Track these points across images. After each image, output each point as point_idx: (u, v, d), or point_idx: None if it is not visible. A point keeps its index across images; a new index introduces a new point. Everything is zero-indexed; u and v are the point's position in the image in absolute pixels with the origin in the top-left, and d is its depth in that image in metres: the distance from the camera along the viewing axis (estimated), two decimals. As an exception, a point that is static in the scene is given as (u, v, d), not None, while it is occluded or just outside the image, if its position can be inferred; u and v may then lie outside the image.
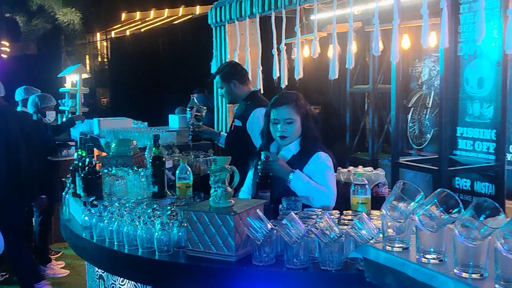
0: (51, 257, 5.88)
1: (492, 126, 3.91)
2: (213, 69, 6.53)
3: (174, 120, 7.63)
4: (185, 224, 2.35)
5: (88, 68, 17.33)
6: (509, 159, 3.98)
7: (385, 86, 7.38)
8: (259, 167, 2.83)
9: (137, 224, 2.45)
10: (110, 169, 3.28)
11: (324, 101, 7.50)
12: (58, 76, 8.32)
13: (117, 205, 2.57)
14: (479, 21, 3.25)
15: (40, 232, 5.65)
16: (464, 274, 1.49)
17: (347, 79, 7.66)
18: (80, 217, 2.84)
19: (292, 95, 3.03)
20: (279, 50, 5.17)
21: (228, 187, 2.32)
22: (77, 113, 7.28)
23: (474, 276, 1.48)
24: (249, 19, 5.68)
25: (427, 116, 6.92)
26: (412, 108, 7.16)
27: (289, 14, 5.18)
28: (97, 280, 2.95)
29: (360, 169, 4.04)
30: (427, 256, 1.63)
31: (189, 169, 3.13)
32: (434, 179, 4.62)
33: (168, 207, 2.50)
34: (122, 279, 2.67)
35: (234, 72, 3.99)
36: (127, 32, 17.01)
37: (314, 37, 4.72)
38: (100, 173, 2.88)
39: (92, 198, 2.72)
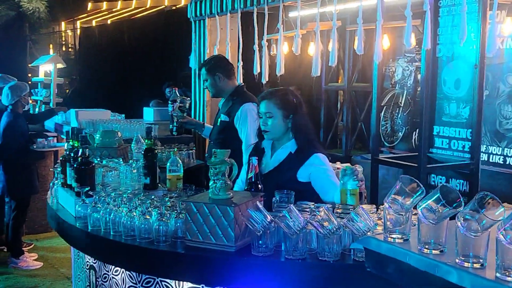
0: (24, 249, 5.80)
1: (467, 125, 4.08)
2: (192, 63, 6.53)
3: (149, 113, 7.58)
4: (184, 215, 2.40)
5: (52, 57, 16.94)
6: (483, 158, 4.15)
7: (360, 84, 7.55)
8: None
9: (134, 214, 2.48)
10: (98, 161, 3.29)
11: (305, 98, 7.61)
12: (31, 65, 8.16)
13: (114, 195, 2.60)
14: (462, 24, 3.39)
15: (14, 223, 5.56)
16: (466, 264, 1.59)
17: (323, 77, 7.80)
18: (72, 208, 2.85)
19: (275, 90, 3.04)
20: (260, 46, 5.23)
21: (227, 180, 2.38)
22: (51, 104, 7.17)
23: (475, 265, 1.58)
24: (230, 14, 5.72)
25: (399, 115, 7.11)
26: (385, 107, 7.35)
27: (269, 11, 5.25)
28: (87, 271, 2.96)
29: (338, 165, 4.16)
30: (428, 246, 1.72)
31: (180, 161, 3.17)
32: (410, 175, 4.78)
33: (166, 198, 2.53)
34: (115, 269, 2.69)
35: (219, 65, 4.04)
36: (93, 23, 16.74)
37: (297, 34, 4.79)
38: (94, 164, 2.88)
39: (87, 189, 2.73)
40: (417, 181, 1.81)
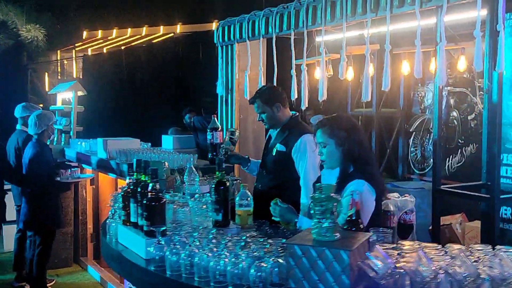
0: (48, 286, 5.44)
1: (537, 153, 3.84)
2: (219, 90, 6.28)
3: (168, 141, 7.29)
4: (282, 259, 2.12)
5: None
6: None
7: (388, 110, 7.34)
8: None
9: (224, 258, 2.19)
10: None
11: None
12: (50, 93, 7.88)
13: (197, 235, 2.31)
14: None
15: (39, 259, 5.20)
16: None
17: (349, 102, 7.60)
18: (140, 249, 2.55)
19: (326, 118, 2.98)
20: (298, 71, 5.02)
21: (335, 219, 2.11)
22: (71, 133, 6.87)
23: None
24: (262, 39, 5.51)
25: (430, 141, 6.88)
26: (414, 133, 7.14)
27: (298, 35, 5.08)
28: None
29: (394, 195, 3.88)
30: None
31: (250, 195, 2.90)
32: (473, 207, 4.52)
33: (260, 239, 2.25)
34: (195, 319, 2.38)
35: (276, 95, 3.83)
36: (89, 51, 16.69)
37: (342, 57, 4.57)
38: (165, 200, 2.60)
39: (163, 228, 2.44)
40: None
